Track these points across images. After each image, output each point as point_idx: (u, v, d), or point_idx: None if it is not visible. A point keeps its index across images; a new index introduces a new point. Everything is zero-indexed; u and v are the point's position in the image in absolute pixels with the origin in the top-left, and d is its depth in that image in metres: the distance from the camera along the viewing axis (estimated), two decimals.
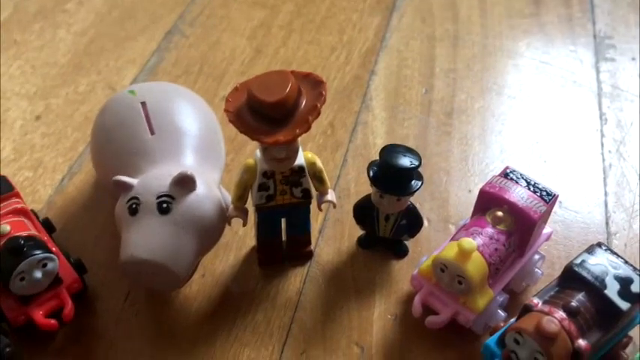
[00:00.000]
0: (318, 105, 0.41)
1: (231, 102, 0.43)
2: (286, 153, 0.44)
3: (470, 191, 0.59)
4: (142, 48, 0.72)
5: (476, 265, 0.44)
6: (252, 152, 0.61)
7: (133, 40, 0.73)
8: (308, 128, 0.41)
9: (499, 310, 0.48)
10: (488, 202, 0.48)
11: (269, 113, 0.41)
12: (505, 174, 0.49)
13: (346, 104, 0.67)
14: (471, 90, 0.69)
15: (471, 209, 0.54)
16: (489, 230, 0.46)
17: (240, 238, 0.55)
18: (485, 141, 0.64)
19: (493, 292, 0.46)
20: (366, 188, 0.57)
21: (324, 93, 0.42)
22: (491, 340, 0.44)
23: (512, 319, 0.45)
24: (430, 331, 0.48)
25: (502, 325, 0.46)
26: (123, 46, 0.73)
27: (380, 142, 0.63)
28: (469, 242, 0.44)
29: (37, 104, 0.66)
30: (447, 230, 0.56)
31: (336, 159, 0.61)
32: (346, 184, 0.59)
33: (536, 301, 0.42)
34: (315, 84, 0.43)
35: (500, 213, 0.47)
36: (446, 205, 0.58)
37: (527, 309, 0.42)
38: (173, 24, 0.76)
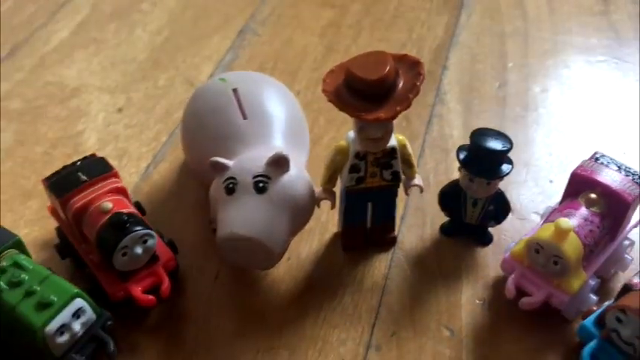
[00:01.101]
0: (418, 83, 0.42)
1: (328, 82, 0.44)
2: (382, 133, 0.44)
3: (551, 181, 0.59)
4: (216, 46, 0.74)
5: (572, 246, 0.44)
6: (327, 146, 0.62)
7: (207, 38, 0.75)
8: (408, 106, 0.42)
9: (591, 295, 0.47)
10: (579, 185, 0.48)
11: (369, 91, 0.42)
12: (595, 158, 0.49)
13: (420, 97, 0.65)
14: (545, 84, 0.69)
15: (553, 199, 0.55)
16: (584, 212, 0.46)
17: (323, 224, 0.55)
18: (563, 133, 0.64)
19: (586, 275, 0.46)
20: (444, 178, 0.58)
21: (422, 72, 0.43)
22: (588, 321, 0.44)
23: (606, 303, 0.45)
24: (520, 316, 0.48)
25: (594, 309, 0.46)
26: (198, 44, 0.74)
27: (457, 134, 0.63)
28: (566, 222, 0.43)
29: (118, 98, 0.68)
30: (530, 219, 0.55)
31: (413, 150, 0.61)
32: (425, 174, 0.59)
33: (636, 280, 0.42)
34: (411, 64, 0.44)
35: (593, 195, 0.46)
36: (528, 194, 0.58)
37: (628, 288, 0.42)
38: (245, 23, 0.77)
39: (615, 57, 0.73)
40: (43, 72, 0.71)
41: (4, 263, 0.43)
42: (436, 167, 0.60)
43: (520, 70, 0.71)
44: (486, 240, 0.53)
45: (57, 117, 0.65)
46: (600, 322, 0.43)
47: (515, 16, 0.79)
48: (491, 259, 0.53)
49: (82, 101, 0.67)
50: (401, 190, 0.51)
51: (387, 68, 0.42)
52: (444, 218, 0.55)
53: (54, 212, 0.50)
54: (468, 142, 0.49)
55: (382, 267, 0.52)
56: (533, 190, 0.58)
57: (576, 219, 0.45)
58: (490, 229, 0.54)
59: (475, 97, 0.67)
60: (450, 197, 0.52)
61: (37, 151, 0.62)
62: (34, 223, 0.55)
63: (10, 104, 0.67)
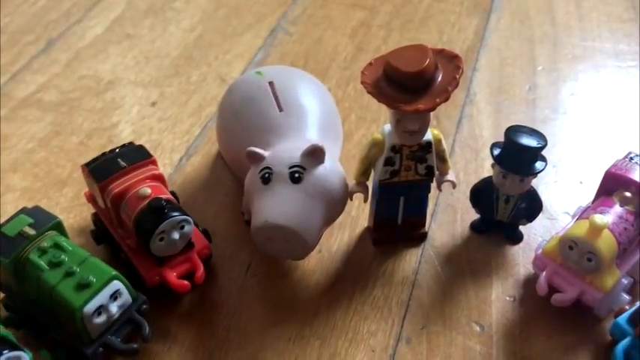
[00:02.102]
0: (457, 76, 0.43)
1: (367, 75, 0.45)
2: (419, 125, 0.45)
3: (581, 182, 0.59)
4: (248, 44, 0.75)
5: (607, 243, 0.44)
6: (358, 143, 0.63)
7: (239, 36, 0.76)
8: (447, 98, 0.42)
9: (623, 294, 0.47)
10: (613, 183, 0.48)
11: (409, 84, 0.42)
12: (630, 158, 0.49)
13: (450, 97, 0.67)
14: (575, 88, 0.69)
15: (583, 199, 0.55)
16: (618, 210, 0.46)
17: (354, 219, 0.56)
18: (592, 136, 0.64)
19: (619, 273, 0.46)
20: (474, 177, 0.58)
21: (461, 66, 0.43)
22: (621, 319, 0.44)
23: (639, 302, 0.45)
24: (550, 314, 0.48)
25: (627, 308, 0.46)
26: (230, 42, 0.75)
27: (487, 134, 0.63)
28: (601, 218, 0.44)
29: (151, 92, 0.69)
30: (561, 218, 0.56)
31: None
32: (455, 173, 0.59)
33: None
34: (450, 58, 0.44)
35: (628, 193, 0.46)
36: (557, 194, 0.58)
37: None
38: (277, 22, 0.78)
39: None
40: (78, 66, 0.72)
41: (45, 244, 0.44)
42: (466, 166, 0.60)
43: (549, 74, 0.71)
44: (517, 238, 0.54)
45: (92, 109, 0.66)
46: (634, 320, 0.43)
47: (544, 21, 0.79)
48: (521, 257, 0.53)
49: (117, 94, 0.68)
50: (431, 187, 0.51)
51: (428, 61, 0.42)
52: (474, 216, 0.55)
53: (91, 198, 0.51)
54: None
55: (412, 262, 0.53)
56: (563, 191, 0.58)
57: (611, 216, 0.45)
58: (519, 228, 0.54)
59: (505, 98, 0.68)
60: (482, 194, 0.52)
61: (72, 141, 0.63)
62: (69, 210, 0.56)
63: (45, 96, 0.68)
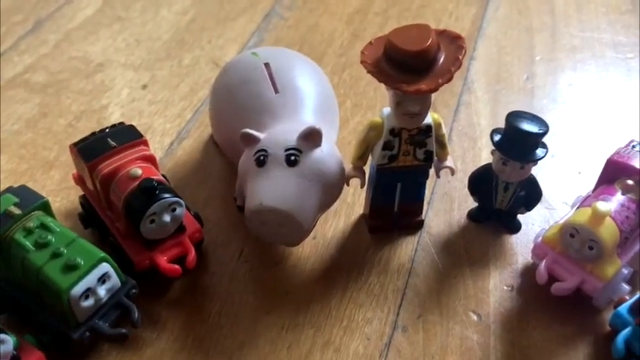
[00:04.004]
0: (460, 57, 0.41)
1: (366, 54, 0.43)
2: (420, 107, 0.44)
3: (579, 173, 0.58)
4: (241, 28, 0.74)
5: (609, 230, 0.43)
6: (354, 129, 0.61)
7: (232, 20, 0.75)
8: (450, 78, 0.41)
9: (623, 284, 0.46)
10: (615, 171, 0.47)
11: (411, 63, 0.41)
12: (632, 145, 0.48)
13: (447, 86, 0.66)
14: (574, 79, 0.68)
15: (582, 189, 0.54)
16: (621, 198, 0.45)
17: (349, 205, 0.55)
18: (590, 126, 0.63)
19: (620, 262, 0.45)
20: (472, 166, 0.57)
21: (464, 46, 0.42)
22: (622, 308, 0.43)
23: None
24: (549, 304, 0.47)
25: (627, 298, 0.45)
26: (223, 26, 0.74)
27: (484, 123, 0.62)
28: (604, 205, 0.43)
29: (142, 75, 0.67)
30: (559, 208, 0.55)
31: None
32: (453, 161, 0.59)
33: None
34: (452, 39, 0.43)
35: (630, 181, 0.46)
36: (556, 184, 0.57)
37: None
38: (271, 7, 0.77)
39: None
40: (67, 47, 0.70)
41: (31, 224, 0.42)
42: (464, 155, 0.59)
43: (548, 64, 0.70)
44: (515, 227, 0.53)
45: (81, 91, 0.65)
46: (635, 309, 0.42)
47: (542, 11, 0.78)
48: (519, 247, 0.52)
49: (107, 77, 0.67)
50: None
51: (430, 40, 0.41)
52: (471, 204, 0.54)
53: (79, 180, 0.50)
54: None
55: (408, 250, 0.52)
56: (562, 181, 0.57)
57: (613, 204, 0.44)
58: (517, 218, 0.53)
59: (503, 87, 0.67)
60: (481, 181, 0.51)
61: (60, 123, 0.61)
62: (56, 193, 0.55)
63: (33, 77, 0.66)
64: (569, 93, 0.67)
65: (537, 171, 0.57)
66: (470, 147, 0.60)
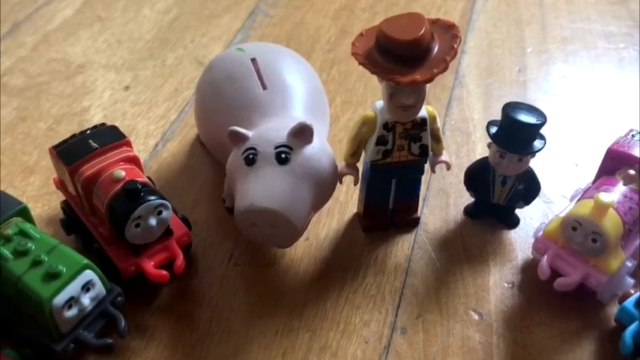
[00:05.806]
0: (455, 45, 0.40)
1: (357, 46, 0.42)
2: (414, 100, 0.42)
3: (576, 165, 0.57)
4: (226, 26, 0.72)
5: (612, 222, 0.42)
6: (344, 127, 0.60)
7: (217, 18, 0.73)
8: (446, 68, 0.40)
9: (627, 277, 0.45)
10: (615, 161, 0.46)
11: (404, 53, 0.40)
12: (632, 135, 0.47)
13: (438, 80, 0.63)
14: (566, 71, 0.67)
15: (579, 182, 0.52)
16: (623, 188, 0.44)
17: (342, 204, 0.53)
18: (585, 118, 0.62)
19: (624, 255, 0.44)
20: (466, 161, 0.55)
21: (458, 35, 0.41)
22: (628, 303, 0.42)
23: None
24: (551, 300, 0.46)
25: (632, 292, 0.43)
26: (207, 24, 0.72)
27: (477, 117, 0.61)
28: (607, 196, 0.41)
29: (124, 75, 0.65)
30: (557, 201, 0.53)
31: None
32: (448, 156, 0.57)
33: None
34: (446, 28, 0.42)
35: (632, 171, 0.44)
36: (553, 177, 0.55)
37: None
38: (255, 5, 0.75)
39: (635, 44, 0.71)
40: (46, 49, 0.68)
41: (9, 231, 0.40)
42: (458, 150, 0.58)
43: (539, 56, 0.69)
44: (513, 222, 0.51)
45: (61, 94, 0.63)
46: None
47: (531, 3, 0.77)
48: (518, 242, 0.50)
49: (88, 78, 0.64)
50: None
51: (423, 29, 0.39)
52: (467, 200, 0.53)
53: (60, 184, 0.48)
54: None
55: (405, 248, 0.50)
56: (559, 174, 0.56)
57: (616, 195, 0.43)
58: (515, 212, 0.52)
59: (495, 80, 0.65)
60: (478, 175, 0.49)
61: (40, 127, 0.59)
62: (37, 199, 0.53)
63: (11, 80, 0.64)
64: (562, 85, 0.65)
65: (533, 164, 0.55)
66: (464, 142, 0.59)
